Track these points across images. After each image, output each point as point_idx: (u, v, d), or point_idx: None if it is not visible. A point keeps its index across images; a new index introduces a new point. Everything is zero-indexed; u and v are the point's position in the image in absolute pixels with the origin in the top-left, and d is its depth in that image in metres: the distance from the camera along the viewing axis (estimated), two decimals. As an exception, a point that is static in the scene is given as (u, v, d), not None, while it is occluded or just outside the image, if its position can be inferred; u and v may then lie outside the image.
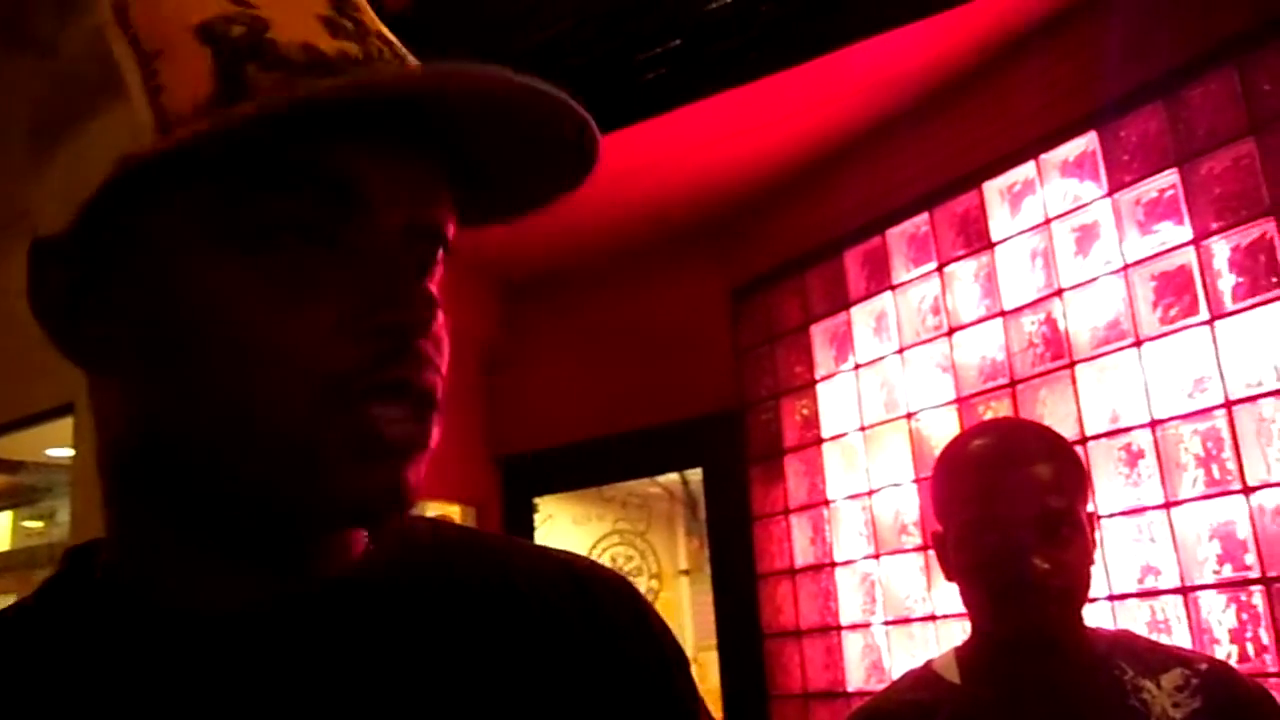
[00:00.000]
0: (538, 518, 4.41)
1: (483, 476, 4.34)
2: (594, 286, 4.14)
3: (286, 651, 0.60)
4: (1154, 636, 2.28)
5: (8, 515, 6.81)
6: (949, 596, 2.98)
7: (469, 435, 4.27)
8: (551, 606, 0.69)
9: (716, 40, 3.05)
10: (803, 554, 3.48)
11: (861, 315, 3.37)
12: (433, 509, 5.36)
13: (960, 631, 2.77)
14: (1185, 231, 2.54)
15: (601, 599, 0.72)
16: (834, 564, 3.36)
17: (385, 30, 0.62)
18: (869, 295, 3.34)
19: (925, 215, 3.18)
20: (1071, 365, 2.76)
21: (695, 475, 4.09)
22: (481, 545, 0.74)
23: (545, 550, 0.76)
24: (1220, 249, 2.49)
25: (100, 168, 0.56)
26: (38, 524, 6.87)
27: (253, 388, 0.55)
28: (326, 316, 0.55)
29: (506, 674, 0.65)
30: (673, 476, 4.82)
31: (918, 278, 3.20)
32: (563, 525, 4.98)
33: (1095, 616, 1.50)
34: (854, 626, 3.29)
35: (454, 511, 4.77)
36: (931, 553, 3.02)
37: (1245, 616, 2.42)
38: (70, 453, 4.64)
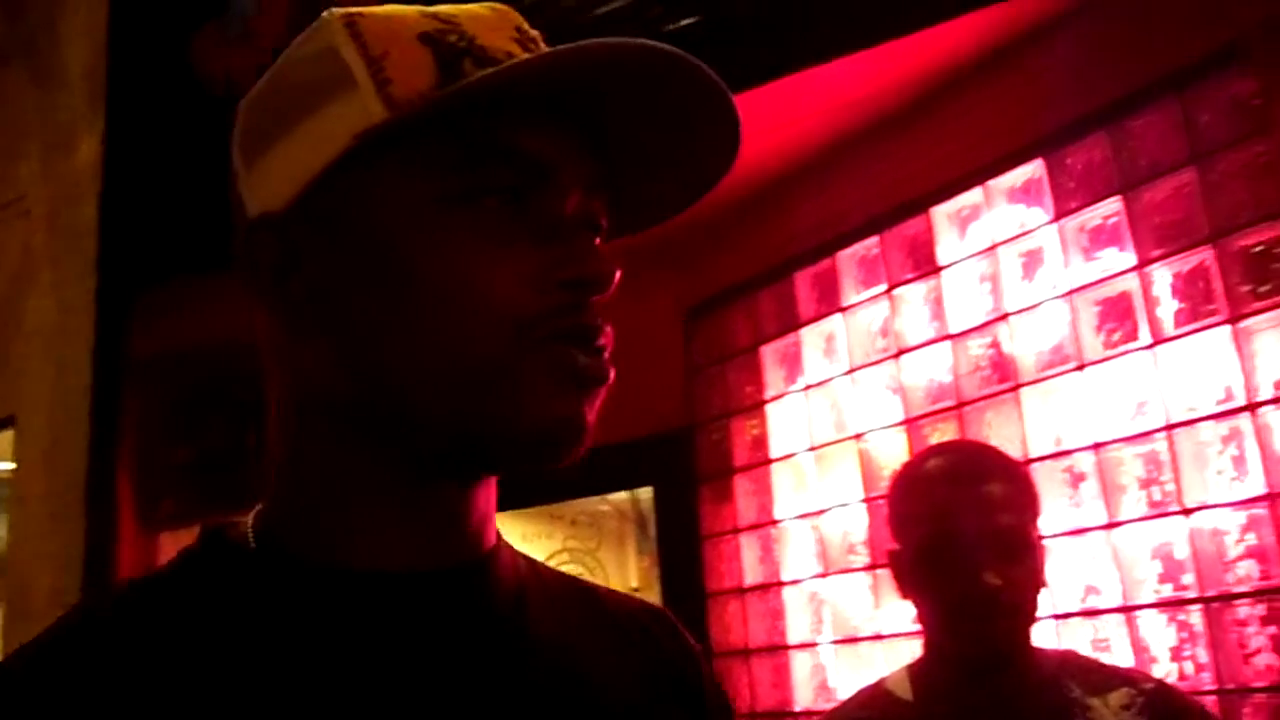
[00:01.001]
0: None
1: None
2: (546, 304, 4.14)
3: (441, 615, 0.68)
4: (1096, 655, 2.32)
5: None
6: (896, 616, 3.02)
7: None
8: (639, 640, 0.80)
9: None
10: (751, 573, 3.50)
11: (811, 336, 3.41)
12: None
13: (907, 651, 2.80)
14: (1128, 258, 2.60)
15: (675, 642, 0.83)
16: (782, 583, 3.39)
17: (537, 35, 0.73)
18: (819, 317, 3.38)
19: (875, 238, 3.23)
20: (1017, 388, 2.81)
21: (645, 494, 4.10)
22: (566, 576, 0.86)
23: (624, 595, 0.87)
24: (1161, 276, 2.56)
25: (326, 149, 0.66)
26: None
27: (459, 326, 0.64)
28: (522, 269, 0.65)
29: (615, 692, 0.74)
30: (623, 495, 4.82)
31: (867, 300, 3.25)
32: (511, 542, 4.96)
33: (1040, 635, 1.53)
34: (802, 646, 3.32)
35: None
36: (879, 572, 3.07)
37: (1184, 635, 2.47)
38: (9, 466, 4.55)
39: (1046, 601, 2.60)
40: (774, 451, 3.48)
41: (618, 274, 0.67)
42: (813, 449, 3.35)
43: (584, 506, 4.96)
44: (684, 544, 3.70)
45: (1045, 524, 2.65)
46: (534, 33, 0.72)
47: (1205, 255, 2.46)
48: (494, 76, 0.63)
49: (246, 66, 4.13)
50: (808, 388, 3.40)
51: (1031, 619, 1.47)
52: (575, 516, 4.85)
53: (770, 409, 3.51)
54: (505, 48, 0.68)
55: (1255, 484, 2.35)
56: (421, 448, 0.67)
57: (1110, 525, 2.60)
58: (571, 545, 5.12)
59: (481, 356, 0.64)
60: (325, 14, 0.69)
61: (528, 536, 5.07)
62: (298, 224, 0.68)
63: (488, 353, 0.64)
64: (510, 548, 0.79)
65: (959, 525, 1.42)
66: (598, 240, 0.71)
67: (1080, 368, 2.67)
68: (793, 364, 3.48)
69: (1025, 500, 1.48)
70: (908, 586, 1.51)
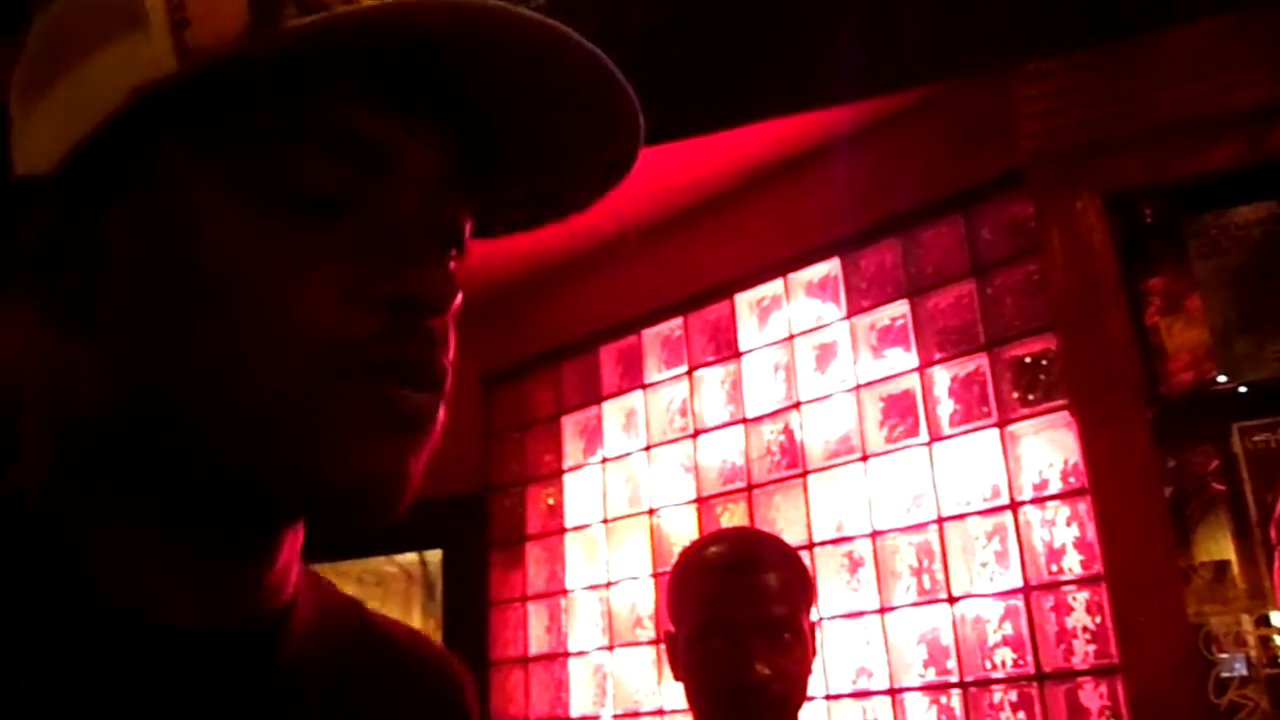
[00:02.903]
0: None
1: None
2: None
3: (230, 677, 0.55)
4: (864, 736, 2.43)
5: None
6: (678, 693, 3.07)
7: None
8: (424, 686, 0.69)
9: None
10: (537, 642, 3.50)
11: (612, 410, 3.47)
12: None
13: (686, 726, 2.86)
14: (912, 359, 2.77)
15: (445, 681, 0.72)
16: (568, 654, 3.40)
17: None
18: (621, 392, 3.44)
19: (680, 319, 3.32)
20: (804, 475, 2.94)
21: (434, 556, 4.05)
22: (365, 616, 0.71)
23: (413, 632, 0.74)
24: (941, 377, 2.74)
25: (101, 103, 0.51)
26: None
27: (250, 349, 0.50)
28: (338, 278, 0.50)
29: None
30: (411, 556, 4.73)
31: (668, 379, 3.33)
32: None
33: (810, 716, 1.60)
34: (584, 719, 3.32)
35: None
36: (664, 647, 3.12)
37: (944, 718, 2.61)
38: None
39: (820, 682, 2.72)
40: (568, 521, 3.51)
41: (458, 295, 0.54)
42: (606, 521, 3.39)
43: (370, 566, 4.85)
44: (471, 609, 3.67)
45: (824, 606, 2.78)
46: None
47: (980, 361, 2.65)
48: (310, 25, 0.48)
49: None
50: (605, 460, 3.45)
51: (800, 706, 1.53)
52: (361, 575, 4.73)
53: (567, 478, 3.54)
54: None
55: (1014, 576, 2.53)
56: (196, 491, 0.53)
57: (883, 610, 2.73)
58: (354, 605, 4.99)
59: (274, 388, 0.50)
60: None
61: (309, 595, 4.91)
62: (68, 192, 0.53)
63: (283, 384, 0.49)
64: (308, 591, 0.63)
65: (732, 613, 1.46)
66: (448, 250, 0.58)
67: (864, 458, 2.81)
68: (592, 436, 3.52)
69: (797, 589, 1.54)
70: (680, 670, 1.54)
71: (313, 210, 0.51)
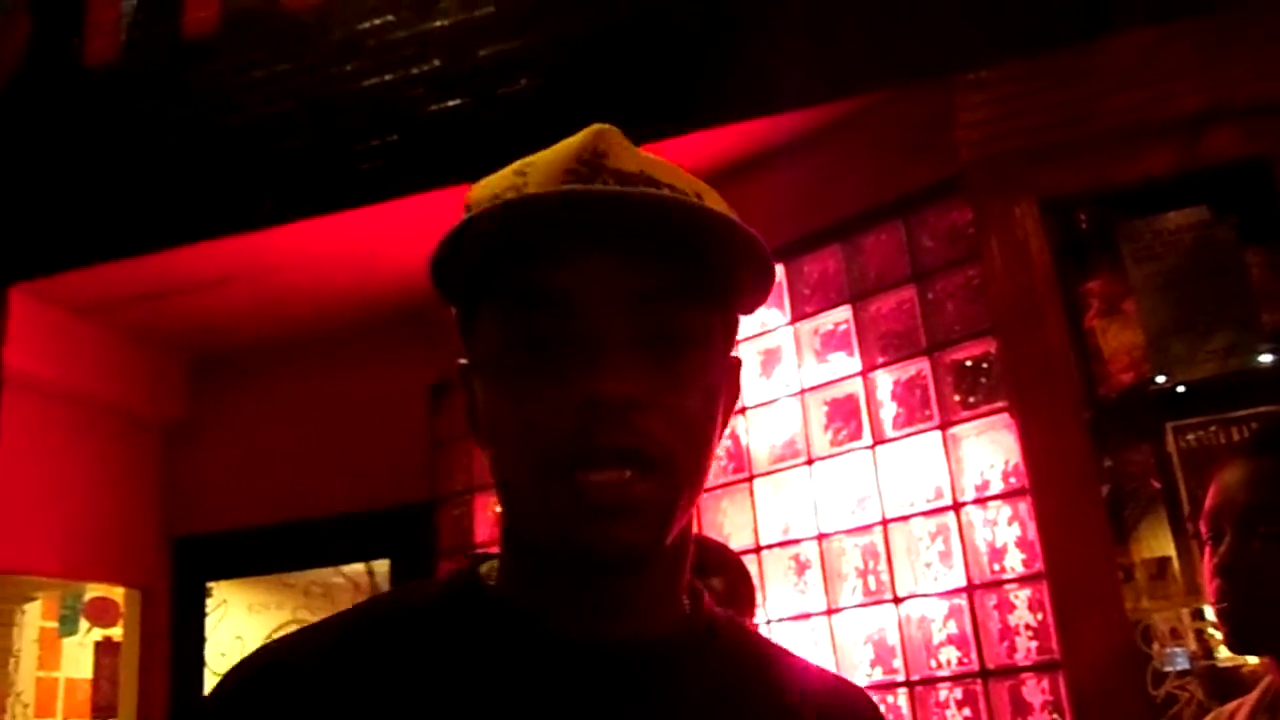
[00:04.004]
0: (210, 603, 4.19)
1: (152, 558, 4.08)
2: (290, 368, 4.03)
3: (603, 682, 0.74)
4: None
5: None
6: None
7: (139, 514, 4.02)
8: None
9: (435, 141, 3.12)
10: (487, 650, 3.49)
11: (559, 417, 3.47)
12: (93, 591, 4.97)
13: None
14: (855, 363, 2.81)
15: None
16: (517, 661, 3.39)
17: (631, 166, 0.73)
18: (568, 398, 3.44)
19: (625, 326, 3.33)
20: (750, 479, 2.96)
21: (381, 566, 4.03)
22: (766, 647, 0.88)
23: (827, 675, 0.89)
24: (884, 381, 2.77)
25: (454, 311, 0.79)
26: None
27: (510, 459, 0.72)
28: (550, 396, 0.70)
29: None
30: (358, 566, 4.70)
31: (615, 385, 3.34)
32: (238, 612, 4.74)
33: None
34: (533, 724, 3.32)
35: (117, 595, 4.44)
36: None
37: (891, 717, 2.64)
38: None
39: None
40: (516, 528, 3.50)
41: (625, 388, 0.69)
42: (554, 528, 3.39)
43: (317, 577, 4.81)
44: (420, 619, 3.65)
45: (772, 608, 2.81)
46: (610, 149, 0.74)
47: (921, 365, 2.69)
48: (454, 230, 0.71)
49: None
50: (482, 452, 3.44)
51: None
52: (308, 587, 4.70)
53: (515, 486, 3.53)
54: (544, 188, 0.71)
55: (957, 576, 2.57)
56: (532, 546, 0.76)
57: (830, 611, 2.76)
58: (302, 616, 4.94)
59: (523, 485, 0.71)
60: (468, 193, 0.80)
61: (255, 607, 4.86)
62: (467, 371, 0.79)
63: (525, 481, 0.71)
64: (707, 626, 0.82)
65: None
66: (658, 347, 0.72)
67: (809, 462, 2.84)
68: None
69: (740, 593, 1.56)
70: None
71: (534, 348, 0.71)
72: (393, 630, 0.77)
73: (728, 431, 3.08)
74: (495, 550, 0.82)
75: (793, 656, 0.87)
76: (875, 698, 2.53)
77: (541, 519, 0.71)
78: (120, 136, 3.57)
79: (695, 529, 0.90)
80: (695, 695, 0.76)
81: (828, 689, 0.86)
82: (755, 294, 0.78)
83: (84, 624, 5.53)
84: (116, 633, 4.90)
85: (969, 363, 2.64)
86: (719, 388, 0.77)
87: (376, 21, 3.11)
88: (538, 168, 0.74)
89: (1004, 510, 2.54)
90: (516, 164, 0.77)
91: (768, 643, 0.89)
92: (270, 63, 3.37)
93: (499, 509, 0.81)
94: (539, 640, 0.74)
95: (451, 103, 3.07)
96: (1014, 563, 2.52)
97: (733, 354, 0.82)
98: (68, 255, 3.52)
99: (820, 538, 2.80)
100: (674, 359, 0.72)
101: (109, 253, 3.47)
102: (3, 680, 4.39)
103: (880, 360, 2.77)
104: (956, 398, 2.64)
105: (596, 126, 0.76)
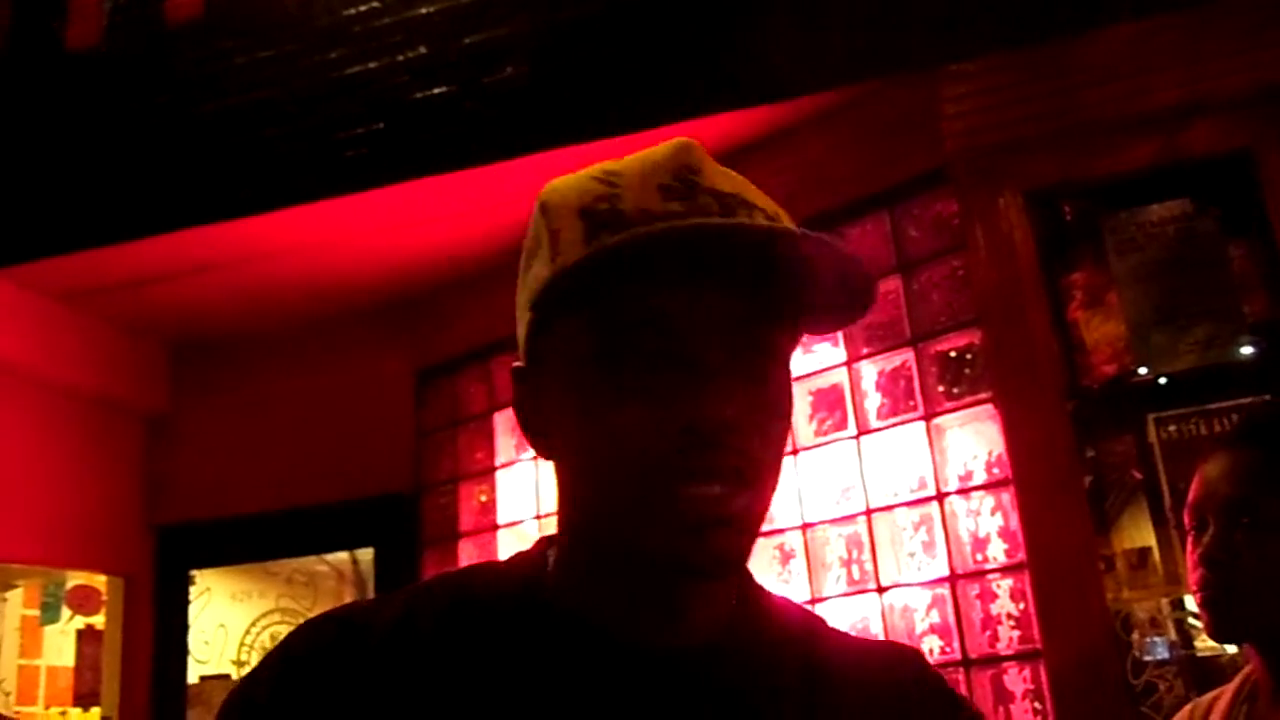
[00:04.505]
0: (193, 591, 4.19)
1: (135, 546, 4.07)
2: (274, 356, 4.02)
3: (690, 688, 0.77)
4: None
5: None
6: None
7: (121, 501, 4.01)
8: (866, 699, 0.83)
9: (420, 129, 3.11)
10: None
11: (542, 407, 3.47)
12: (75, 579, 4.96)
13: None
14: (840, 354, 2.81)
15: (917, 702, 0.84)
16: (502, 649, 3.40)
17: (726, 186, 0.78)
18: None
19: (611, 315, 3.33)
20: (736, 468, 2.96)
21: (366, 555, 4.03)
22: (818, 628, 0.89)
23: (874, 644, 0.91)
24: (869, 371, 2.78)
25: (527, 314, 0.78)
26: None
27: (606, 467, 0.74)
28: (652, 416, 0.72)
29: None
30: (342, 555, 4.70)
31: (600, 374, 3.34)
32: (221, 600, 4.74)
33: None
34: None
35: (99, 583, 4.44)
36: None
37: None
38: None
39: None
40: (501, 518, 3.51)
41: (725, 412, 0.71)
42: (539, 516, 3.40)
43: (301, 565, 4.81)
44: (404, 607, 3.65)
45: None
46: (701, 166, 0.78)
47: (907, 356, 2.70)
48: (616, 241, 0.72)
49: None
50: (538, 457, 3.44)
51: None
52: (291, 575, 4.70)
53: (500, 475, 3.54)
54: (643, 204, 0.75)
55: (941, 565, 2.58)
56: (608, 555, 0.78)
57: (814, 600, 2.77)
58: (285, 605, 4.95)
59: (621, 494, 0.73)
60: (541, 193, 0.83)
61: (238, 595, 4.86)
62: (527, 374, 0.81)
63: (625, 492, 0.73)
64: (755, 617, 0.84)
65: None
66: (755, 370, 0.75)
67: (794, 452, 2.85)
68: (521, 440, 3.52)
69: None
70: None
71: (636, 369, 0.73)
72: (462, 623, 0.80)
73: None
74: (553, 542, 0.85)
75: (840, 633, 0.90)
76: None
77: (637, 530, 0.73)
78: (101, 122, 3.54)
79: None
80: (748, 689, 0.79)
81: (876, 663, 0.87)
82: (849, 312, 0.80)
83: (66, 612, 5.52)
84: (99, 620, 4.90)
85: (953, 353, 2.65)
86: (791, 401, 0.80)
87: (361, 8, 3.09)
88: (628, 179, 0.78)
89: (987, 500, 2.56)
90: (596, 169, 0.80)
91: (815, 622, 0.91)
92: (253, 49, 3.35)
93: (557, 512, 0.83)
94: (600, 646, 0.78)
95: (437, 90, 3.06)
96: (996, 552, 2.54)
97: None
98: (48, 241, 3.50)
99: (805, 527, 2.81)
100: (764, 379, 0.76)
101: (89, 239, 3.45)
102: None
103: (865, 351, 2.78)
104: (941, 388, 2.65)
105: (681, 140, 0.80)
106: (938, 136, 2.52)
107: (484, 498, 3.58)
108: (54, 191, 3.54)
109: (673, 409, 0.71)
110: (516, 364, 0.82)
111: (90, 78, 3.60)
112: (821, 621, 0.91)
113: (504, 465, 3.53)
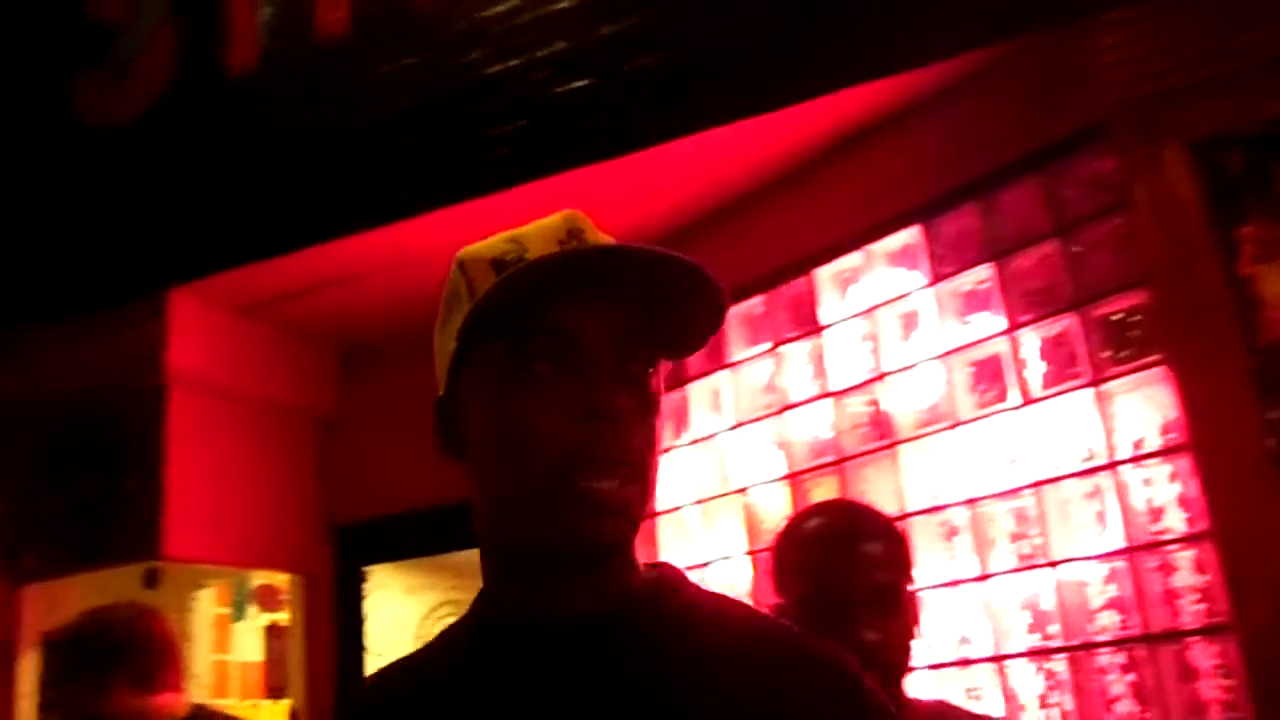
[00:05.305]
0: (368, 586, 4.34)
1: (313, 545, 4.24)
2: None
3: (591, 648, 0.91)
4: (969, 705, 2.41)
5: None
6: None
7: (302, 504, 4.19)
8: (746, 675, 0.89)
9: (563, 123, 3.14)
10: (636, 625, 3.52)
11: (698, 391, 3.48)
12: (259, 578, 5.20)
13: (789, 701, 2.86)
14: (999, 322, 2.73)
15: (799, 683, 0.90)
16: (667, 635, 3.41)
17: (608, 240, 0.95)
18: (705, 373, 3.45)
19: (760, 297, 3.32)
20: (894, 445, 2.92)
21: (531, 545, 4.11)
22: (714, 608, 0.98)
23: (769, 628, 0.98)
24: (1029, 340, 2.69)
25: (450, 347, 0.95)
26: None
27: (520, 467, 0.89)
28: (561, 415, 0.88)
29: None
30: (507, 546, 4.80)
31: (752, 357, 3.33)
32: (394, 595, 4.90)
33: (915, 686, 1.60)
34: (686, 697, 3.34)
35: (282, 580, 4.64)
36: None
37: (1050, 683, 2.58)
38: None
39: (921, 652, 2.70)
40: (660, 504, 3.53)
41: (617, 402, 0.87)
42: (698, 502, 3.41)
43: (470, 558, 4.92)
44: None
45: (921, 577, 2.76)
46: (586, 227, 0.96)
47: (1069, 321, 2.61)
48: (518, 271, 0.89)
49: (129, 107, 4.06)
50: (694, 441, 3.46)
51: (906, 671, 1.53)
52: (461, 567, 4.81)
53: (657, 462, 3.55)
54: (546, 253, 0.92)
55: (1115, 538, 2.48)
56: (516, 547, 0.94)
57: (982, 577, 2.70)
58: (455, 596, 5.08)
59: (532, 490, 0.88)
60: (458, 255, 1.01)
61: (411, 589, 5.02)
62: (447, 402, 0.97)
63: (536, 486, 0.88)
64: (661, 595, 0.96)
65: (838, 582, 1.47)
66: (638, 373, 0.91)
67: (954, 426, 2.79)
68: (679, 418, 3.54)
69: (900, 557, 1.55)
70: (790, 641, 1.56)
71: (545, 375, 0.89)
72: (449, 650, 1.01)
73: (867, 399, 3.04)
74: None
75: (735, 613, 0.98)
76: (1033, 665, 2.45)
77: (546, 521, 0.88)
78: (261, 141, 3.70)
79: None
80: (623, 653, 0.91)
81: (759, 645, 0.93)
82: (707, 329, 0.95)
83: (253, 609, 5.80)
84: (283, 617, 5.12)
85: (1119, 316, 2.54)
86: (662, 412, 0.94)
87: (499, 8, 3.14)
88: (531, 238, 0.95)
89: (1163, 468, 2.44)
90: (502, 235, 0.97)
91: (714, 600, 1.00)
92: (397, 58, 3.44)
93: (475, 529, 0.97)
94: (509, 627, 0.94)
95: (578, 84, 3.09)
96: (1175, 522, 2.42)
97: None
98: (223, 256, 3.67)
99: (969, 503, 2.74)
100: (644, 386, 0.91)
101: (260, 252, 3.60)
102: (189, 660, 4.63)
103: (1025, 318, 2.69)
104: (1107, 353, 2.55)
105: (566, 211, 0.98)
106: (1092, 90, 2.41)
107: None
108: (225, 208, 3.72)
109: (574, 400, 0.87)
110: (438, 397, 0.98)
111: (249, 99, 3.76)
112: (734, 609, 0.99)
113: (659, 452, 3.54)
